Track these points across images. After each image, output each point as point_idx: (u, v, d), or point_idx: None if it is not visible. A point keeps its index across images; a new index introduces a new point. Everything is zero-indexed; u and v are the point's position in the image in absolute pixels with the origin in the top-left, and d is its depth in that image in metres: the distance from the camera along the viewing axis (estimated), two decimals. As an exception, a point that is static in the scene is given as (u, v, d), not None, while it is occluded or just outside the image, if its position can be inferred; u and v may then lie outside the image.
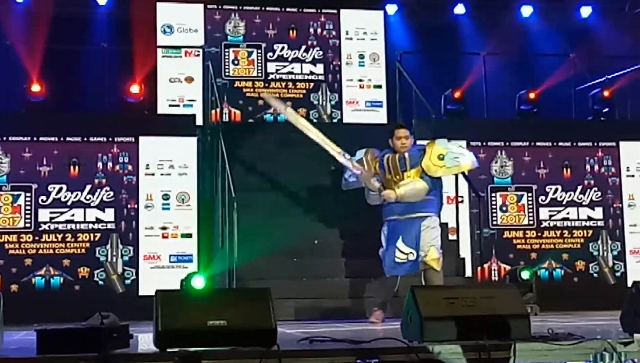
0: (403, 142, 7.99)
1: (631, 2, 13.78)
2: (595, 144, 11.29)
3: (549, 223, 11.00)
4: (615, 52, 13.15)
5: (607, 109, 12.26)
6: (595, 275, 11.02)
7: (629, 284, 5.36)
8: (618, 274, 11.04)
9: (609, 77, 12.55)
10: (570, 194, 11.09)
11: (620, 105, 12.45)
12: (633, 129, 11.56)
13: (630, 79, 12.58)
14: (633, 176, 11.25)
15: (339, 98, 12.18)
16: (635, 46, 13.19)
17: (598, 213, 11.12)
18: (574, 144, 11.26)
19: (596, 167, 11.22)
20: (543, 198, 11.05)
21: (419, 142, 8.40)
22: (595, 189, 11.15)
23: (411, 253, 7.73)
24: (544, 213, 11.02)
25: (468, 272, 10.08)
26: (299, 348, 4.81)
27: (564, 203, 11.07)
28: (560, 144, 11.24)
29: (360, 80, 12.30)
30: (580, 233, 11.05)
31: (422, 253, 7.73)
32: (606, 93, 12.26)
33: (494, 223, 10.91)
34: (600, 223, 11.09)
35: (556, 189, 11.08)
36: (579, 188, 11.12)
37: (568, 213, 11.06)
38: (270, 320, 4.65)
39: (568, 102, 12.41)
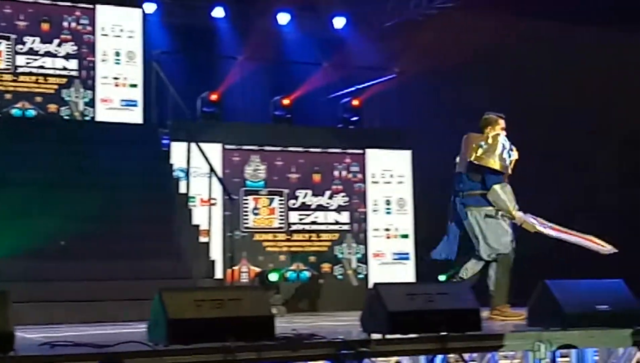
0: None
1: (381, 16, 14.38)
2: (344, 151, 11.73)
3: (298, 227, 11.30)
4: (366, 63, 13.68)
5: (356, 118, 12.71)
6: (339, 277, 11.43)
7: (371, 286, 5.61)
8: (361, 276, 11.51)
9: (359, 87, 13.04)
10: (319, 199, 11.45)
11: (368, 114, 12.97)
12: (379, 137, 12.11)
13: (379, 90, 13.14)
14: (378, 182, 11.79)
15: (92, 95, 11.86)
16: (385, 57, 13.76)
17: (344, 217, 11.56)
18: (324, 150, 11.64)
19: (344, 173, 11.65)
20: (294, 201, 11.33)
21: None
22: (343, 194, 11.58)
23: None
24: (294, 216, 11.31)
25: (218, 274, 10.13)
26: (39, 354, 4.64)
27: (313, 207, 11.41)
28: (311, 150, 11.58)
29: (116, 78, 12.04)
30: (327, 237, 11.43)
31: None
32: (356, 102, 12.70)
33: (246, 225, 11.06)
34: (346, 227, 11.53)
35: (306, 194, 11.41)
36: (328, 192, 11.51)
37: (316, 217, 11.42)
38: (7, 324, 4.44)
39: (320, 110, 12.79)
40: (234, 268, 10.62)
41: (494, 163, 7.42)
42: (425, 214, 12.00)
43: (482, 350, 5.77)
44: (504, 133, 7.55)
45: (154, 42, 12.70)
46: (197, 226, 9.88)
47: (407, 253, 11.84)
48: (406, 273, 11.69)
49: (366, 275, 11.54)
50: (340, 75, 13.45)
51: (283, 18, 13.90)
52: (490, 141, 7.46)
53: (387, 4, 14.19)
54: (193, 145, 10.19)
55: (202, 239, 9.94)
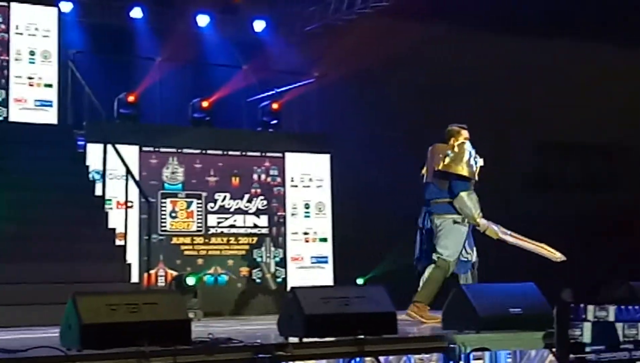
0: None
1: (302, 20, 14.43)
2: (263, 154, 11.71)
3: (216, 230, 11.24)
4: (286, 67, 13.69)
5: (275, 121, 12.72)
6: (258, 280, 11.41)
7: (289, 289, 5.63)
8: (279, 280, 11.51)
9: (279, 90, 13.04)
10: (238, 202, 11.41)
11: (288, 118, 12.99)
12: (299, 141, 12.13)
13: (298, 93, 13.17)
14: (297, 186, 11.80)
15: (5, 95, 11.58)
16: (304, 62, 13.80)
17: (263, 220, 11.54)
18: (243, 153, 11.60)
19: (263, 176, 11.63)
20: (212, 205, 11.27)
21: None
22: (262, 197, 11.56)
23: (470, 254, 7.75)
24: (212, 219, 11.24)
25: (135, 278, 10.00)
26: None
27: (231, 210, 11.37)
28: (230, 153, 11.53)
29: (30, 77, 11.77)
30: (245, 240, 11.40)
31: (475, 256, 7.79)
32: (275, 106, 12.70)
33: (163, 228, 10.95)
34: (264, 231, 11.52)
35: (225, 197, 11.35)
36: (247, 196, 11.48)
37: (235, 221, 11.37)
38: None
39: (239, 113, 12.75)
40: (150, 272, 10.50)
41: (462, 170, 7.60)
42: (344, 218, 12.07)
43: (398, 352, 5.84)
44: (468, 142, 7.74)
45: (70, 41, 12.47)
46: (113, 229, 9.74)
47: (325, 257, 11.88)
48: (324, 276, 11.73)
49: (284, 279, 11.54)
50: (260, 78, 13.43)
51: (202, 20, 13.80)
52: (456, 149, 7.65)
53: (307, 8, 14.23)
54: (109, 147, 10.05)
55: (118, 242, 9.80)
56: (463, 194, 7.55)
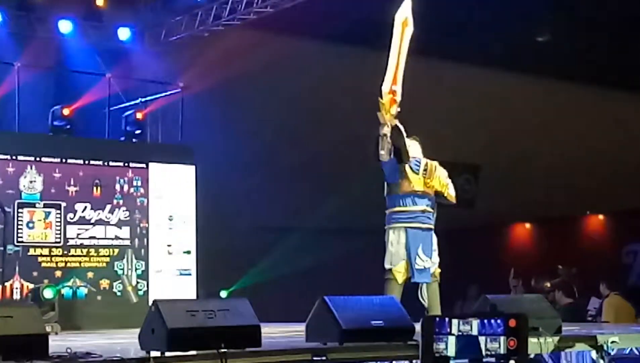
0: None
1: (167, 30, 14.29)
2: (126, 164, 11.50)
3: (76, 241, 10.96)
4: (151, 77, 13.53)
5: (139, 131, 12.51)
6: (119, 293, 11.18)
7: (151, 302, 5.53)
8: (141, 292, 11.31)
9: (143, 100, 12.86)
10: (99, 213, 11.16)
11: (152, 128, 12.82)
12: (163, 152, 11.98)
13: (163, 104, 13.03)
14: (161, 197, 11.64)
15: None
16: (169, 71, 13.67)
17: (125, 232, 11.32)
18: (106, 163, 11.36)
19: (126, 187, 11.42)
20: (72, 215, 10.98)
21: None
22: (124, 208, 11.34)
23: (427, 261, 7.93)
24: (71, 230, 10.95)
25: (-11, 290, 9.67)
26: None
27: (92, 221, 11.10)
28: (92, 162, 11.28)
29: None
30: (106, 252, 11.15)
31: (434, 266, 7.96)
32: (139, 115, 12.51)
33: (20, 239, 10.60)
34: (126, 242, 11.30)
35: (85, 208, 11.08)
36: (108, 207, 11.24)
37: (96, 232, 11.11)
38: None
39: (102, 122, 12.49)
40: (5, 284, 10.16)
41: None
42: (208, 231, 11.99)
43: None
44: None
45: None
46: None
47: (189, 269, 11.74)
48: (188, 289, 11.60)
49: (146, 292, 11.35)
50: (124, 87, 13.20)
51: (65, 26, 13.44)
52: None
53: (173, 18, 14.11)
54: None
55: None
56: None
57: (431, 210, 8.07)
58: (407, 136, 7.98)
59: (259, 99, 13.79)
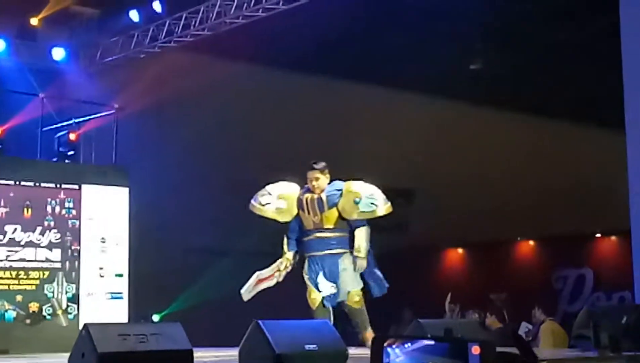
0: (314, 184, 7.99)
1: (103, 50, 14.20)
2: (58, 186, 11.34)
3: (5, 264, 10.74)
4: (85, 97, 13.41)
5: (72, 152, 12.38)
6: (48, 317, 10.98)
7: (82, 326, 5.45)
8: (71, 316, 11.12)
9: (77, 121, 12.72)
10: (29, 235, 10.97)
11: (85, 149, 12.68)
12: (96, 173, 11.84)
13: (97, 125, 12.90)
14: (93, 219, 11.49)
15: None
16: (104, 93, 13.57)
17: (56, 254, 11.12)
18: (37, 184, 11.19)
19: (57, 209, 11.25)
20: (1, 237, 10.78)
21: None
22: (55, 230, 11.16)
23: (332, 286, 7.96)
24: (1, 253, 10.74)
25: None
26: None
27: (22, 243, 10.91)
28: (23, 183, 11.09)
29: None
30: (36, 274, 10.95)
31: (343, 295, 8.03)
32: (72, 136, 12.39)
33: (-54, 261, 10.36)
34: (57, 265, 11.11)
35: (15, 229, 10.88)
36: (39, 228, 11.05)
37: (25, 254, 10.92)
38: None
39: (34, 142, 12.32)
40: None
41: None
42: (141, 253, 11.87)
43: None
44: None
45: None
46: None
47: (120, 293, 11.60)
48: (119, 313, 11.44)
49: (77, 315, 11.17)
50: (58, 107, 13.05)
51: (-3, 45, 13.29)
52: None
53: (108, 39, 14.03)
54: None
55: None
56: None
57: (333, 235, 8.09)
58: (282, 181, 8.27)
59: (193, 121, 13.77)
